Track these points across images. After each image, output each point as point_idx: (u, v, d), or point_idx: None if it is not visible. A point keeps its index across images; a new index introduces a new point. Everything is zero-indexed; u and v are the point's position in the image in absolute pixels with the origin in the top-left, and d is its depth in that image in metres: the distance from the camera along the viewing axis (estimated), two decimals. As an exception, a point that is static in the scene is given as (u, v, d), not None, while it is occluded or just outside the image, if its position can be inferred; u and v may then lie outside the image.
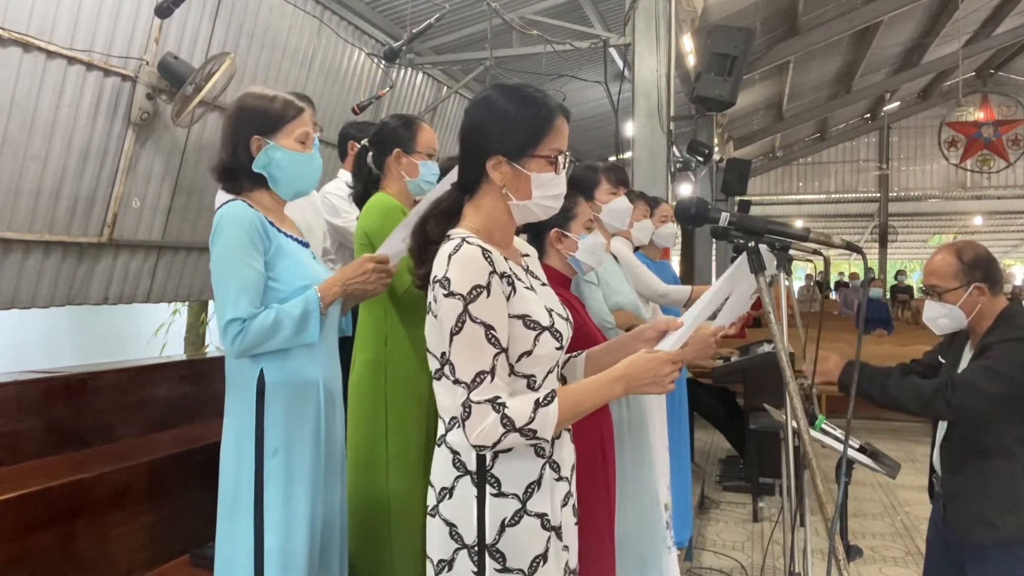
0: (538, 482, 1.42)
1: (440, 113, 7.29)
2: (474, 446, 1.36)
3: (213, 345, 9.07)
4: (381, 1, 5.70)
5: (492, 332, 1.36)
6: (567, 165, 1.51)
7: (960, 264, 2.24)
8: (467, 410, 1.34)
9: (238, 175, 1.92)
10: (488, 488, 1.40)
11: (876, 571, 4.05)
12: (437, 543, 1.43)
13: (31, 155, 3.66)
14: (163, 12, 3.75)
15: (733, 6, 8.56)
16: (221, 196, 1.98)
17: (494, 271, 1.38)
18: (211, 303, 8.35)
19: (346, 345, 2.17)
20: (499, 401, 1.34)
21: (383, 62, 5.56)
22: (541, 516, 1.42)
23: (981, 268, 2.23)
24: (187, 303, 8.43)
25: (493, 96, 1.49)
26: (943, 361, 2.42)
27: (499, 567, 1.38)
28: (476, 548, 1.39)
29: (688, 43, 7.43)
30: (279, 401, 1.84)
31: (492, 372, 1.35)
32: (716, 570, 4.02)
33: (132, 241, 4.36)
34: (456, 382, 1.36)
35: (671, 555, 2.62)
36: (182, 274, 4.86)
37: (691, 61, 7.94)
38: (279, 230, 1.92)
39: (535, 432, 1.35)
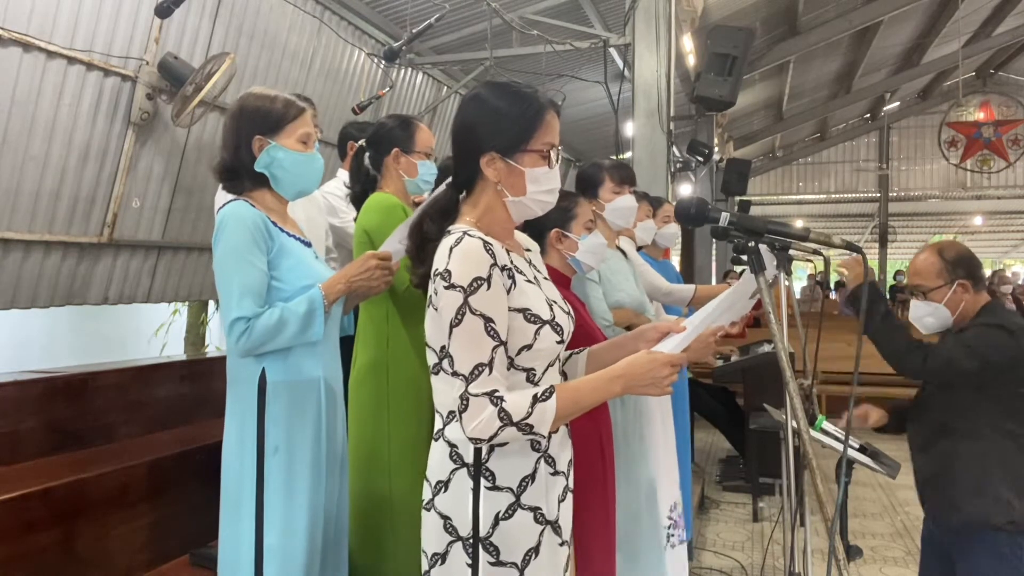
0: (532, 476, 1.43)
1: (440, 113, 7.29)
2: (470, 439, 1.36)
3: (213, 345, 9.07)
4: (381, 1, 5.69)
5: (491, 325, 1.36)
6: (559, 160, 1.51)
7: (943, 262, 2.28)
8: (464, 402, 1.34)
9: (240, 175, 1.93)
10: (483, 481, 1.40)
11: (876, 571, 4.05)
12: (431, 536, 1.44)
13: (31, 155, 3.66)
14: (163, 12, 3.75)
15: (733, 6, 8.56)
16: (222, 196, 1.98)
17: (495, 263, 1.39)
18: (211, 303, 8.35)
19: (346, 344, 2.17)
20: (497, 394, 1.34)
21: (383, 62, 5.56)
22: (535, 510, 1.42)
23: (963, 266, 2.27)
24: (187, 303, 8.42)
25: (484, 93, 1.50)
26: None
27: (493, 560, 1.39)
28: (471, 541, 1.39)
29: (688, 43, 7.42)
30: (280, 399, 1.84)
31: (490, 365, 1.36)
32: (716, 570, 4.02)
33: (132, 241, 4.36)
34: (454, 374, 1.36)
35: (677, 552, 2.62)
36: (182, 274, 4.86)
37: (691, 61, 7.94)
38: (282, 230, 1.92)
39: (532, 427, 1.35)
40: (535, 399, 1.36)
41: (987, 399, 2.18)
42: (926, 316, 2.32)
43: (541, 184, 1.48)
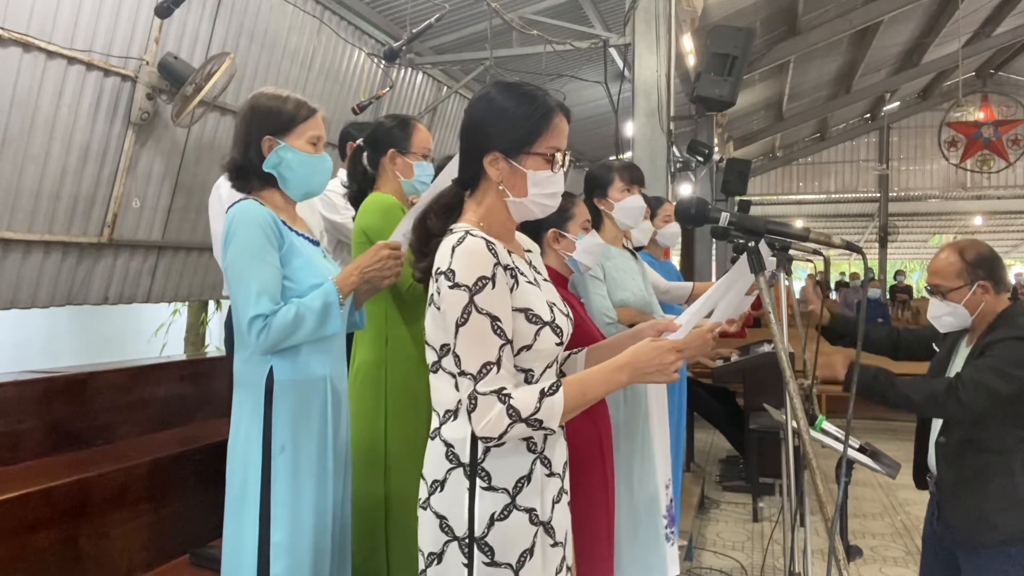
0: (528, 477, 1.43)
1: (440, 113, 7.29)
2: (480, 437, 1.37)
3: (213, 345, 9.08)
4: (381, 1, 5.70)
5: (498, 323, 1.37)
6: (566, 164, 1.50)
7: (963, 263, 2.24)
8: (473, 401, 1.35)
9: (248, 174, 1.93)
10: (478, 482, 1.40)
11: (876, 571, 4.05)
12: (428, 535, 1.44)
13: (31, 155, 3.66)
14: (163, 12, 3.75)
15: (733, 6, 8.56)
16: (217, 196, 1.98)
17: (498, 263, 1.39)
18: (211, 303, 8.36)
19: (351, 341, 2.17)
20: (504, 392, 1.35)
21: (383, 62, 5.56)
22: (530, 511, 1.42)
23: (984, 267, 2.23)
24: (187, 303, 8.43)
25: (492, 93, 1.50)
26: (936, 349, 2.42)
27: (487, 560, 1.39)
28: (466, 541, 1.39)
29: (688, 43, 7.42)
30: (287, 398, 1.85)
31: (498, 363, 1.36)
32: (716, 570, 4.02)
33: (132, 241, 4.36)
34: (462, 373, 1.37)
35: (671, 547, 2.62)
36: (182, 274, 4.86)
37: (691, 61, 7.93)
38: (291, 229, 1.92)
39: (541, 422, 1.36)
40: (542, 394, 1.36)
41: (1012, 414, 2.14)
42: (944, 315, 2.28)
43: (543, 187, 1.48)
